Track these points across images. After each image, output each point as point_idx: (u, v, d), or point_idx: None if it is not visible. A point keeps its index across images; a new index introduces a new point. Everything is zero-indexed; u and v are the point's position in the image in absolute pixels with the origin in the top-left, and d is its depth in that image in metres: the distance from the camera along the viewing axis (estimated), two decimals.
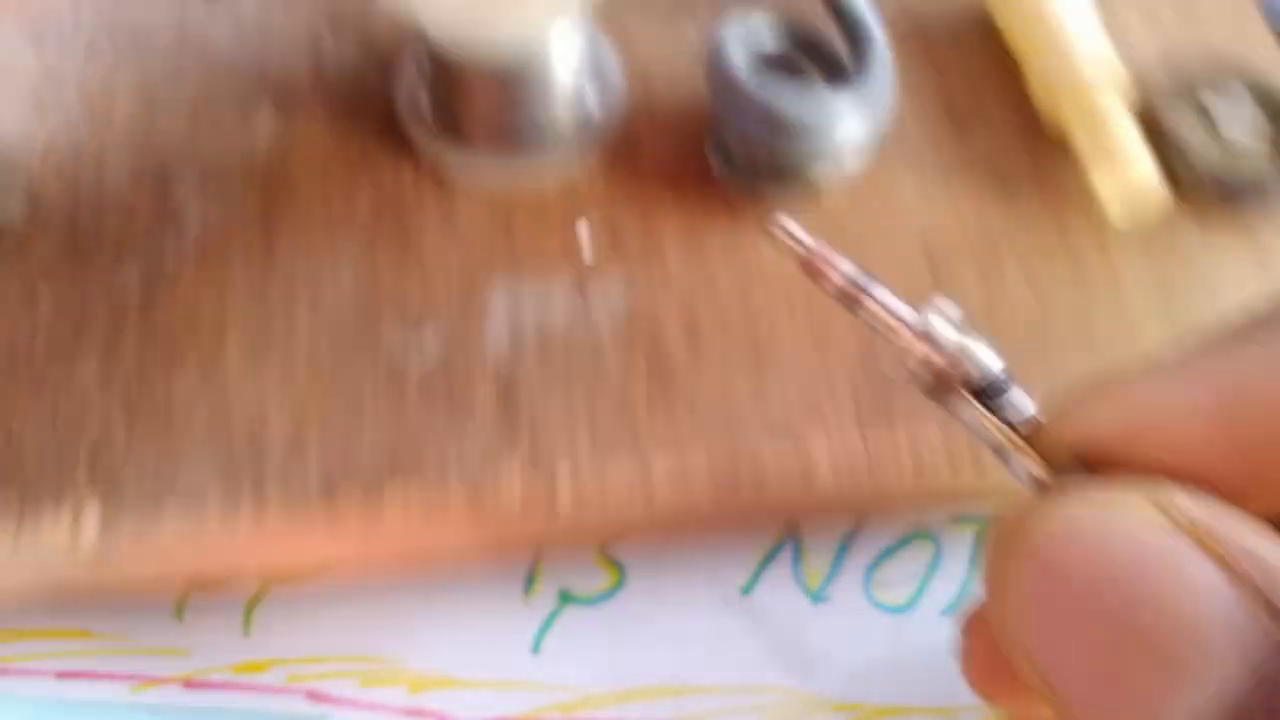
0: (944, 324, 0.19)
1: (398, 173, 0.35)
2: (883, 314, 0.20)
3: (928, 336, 0.19)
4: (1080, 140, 0.34)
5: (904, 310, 0.20)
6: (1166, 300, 0.34)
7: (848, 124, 0.32)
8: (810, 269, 0.21)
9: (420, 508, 0.30)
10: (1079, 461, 0.18)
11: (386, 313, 0.33)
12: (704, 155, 0.35)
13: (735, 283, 0.33)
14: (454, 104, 0.34)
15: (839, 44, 0.34)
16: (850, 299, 0.20)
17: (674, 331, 0.32)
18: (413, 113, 0.35)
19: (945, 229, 0.35)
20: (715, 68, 0.32)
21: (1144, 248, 0.35)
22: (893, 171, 0.35)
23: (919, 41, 0.37)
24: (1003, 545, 0.16)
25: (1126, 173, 0.33)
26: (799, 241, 0.22)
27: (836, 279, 0.21)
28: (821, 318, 0.33)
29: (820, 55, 0.34)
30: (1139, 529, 0.15)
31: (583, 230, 0.34)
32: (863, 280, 0.20)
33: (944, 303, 0.20)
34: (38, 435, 0.31)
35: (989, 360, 0.19)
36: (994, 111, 0.36)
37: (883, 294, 0.20)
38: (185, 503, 0.30)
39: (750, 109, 0.32)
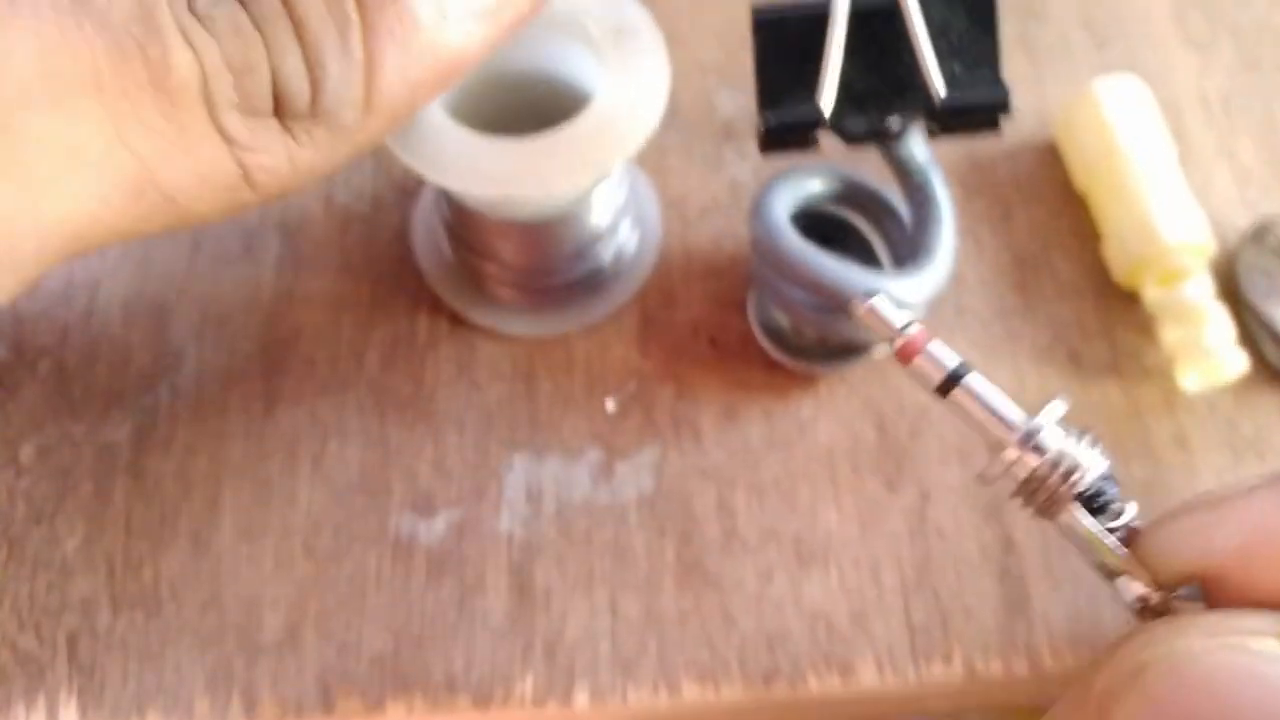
0: (1052, 427, 0.18)
1: (413, 320, 0.32)
2: (979, 410, 0.19)
3: (1032, 441, 0.18)
4: (1159, 313, 0.31)
5: (1008, 410, 0.19)
6: (1237, 467, 0.31)
7: (906, 299, 0.29)
8: (905, 354, 0.20)
9: None
10: (1191, 583, 0.16)
11: (395, 487, 0.30)
12: (745, 311, 0.32)
13: (776, 463, 0.30)
14: (477, 251, 0.31)
15: (896, 197, 0.31)
16: (946, 388, 0.20)
17: (707, 516, 0.30)
18: (431, 255, 0.32)
19: (1005, 392, 0.32)
20: (762, 232, 0.29)
21: (1215, 412, 0.32)
22: (950, 329, 0.32)
23: (984, 186, 0.34)
24: (1113, 677, 0.14)
25: (1210, 361, 0.30)
26: (891, 324, 0.21)
27: (931, 366, 0.20)
28: (870, 505, 0.30)
29: (876, 210, 0.31)
30: (1270, 670, 0.13)
31: (610, 404, 0.31)
32: (962, 369, 0.19)
33: (1054, 405, 0.18)
34: (13, 611, 0.29)
35: (1096, 467, 0.18)
36: (1061, 265, 0.33)
37: (982, 385, 0.19)
38: (169, 710, 0.27)
39: (799, 281, 0.29)
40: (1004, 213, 0.34)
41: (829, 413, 0.31)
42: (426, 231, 0.33)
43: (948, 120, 0.22)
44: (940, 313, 0.32)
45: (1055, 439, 0.18)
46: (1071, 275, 0.33)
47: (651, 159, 0.34)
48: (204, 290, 0.33)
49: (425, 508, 0.30)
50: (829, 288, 0.28)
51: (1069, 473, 0.18)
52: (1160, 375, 0.32)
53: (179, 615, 0.29)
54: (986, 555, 0.29)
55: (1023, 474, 0.18)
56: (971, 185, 0.34)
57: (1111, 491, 0.18)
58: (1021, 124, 0.35)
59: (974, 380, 0.19)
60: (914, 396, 0.31)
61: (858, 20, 0.23)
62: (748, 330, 0.32)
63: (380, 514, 0.30)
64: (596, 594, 0.29)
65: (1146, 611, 0.18)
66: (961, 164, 0.35)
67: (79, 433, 0.31)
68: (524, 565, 0.29)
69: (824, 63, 0.23)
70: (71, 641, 0.28)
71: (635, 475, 0.30)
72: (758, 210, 0.30)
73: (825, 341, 0.31)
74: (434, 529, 0.29)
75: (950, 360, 0.19)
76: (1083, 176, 0.34)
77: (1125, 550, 0.18)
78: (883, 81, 0.23)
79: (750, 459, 0.30)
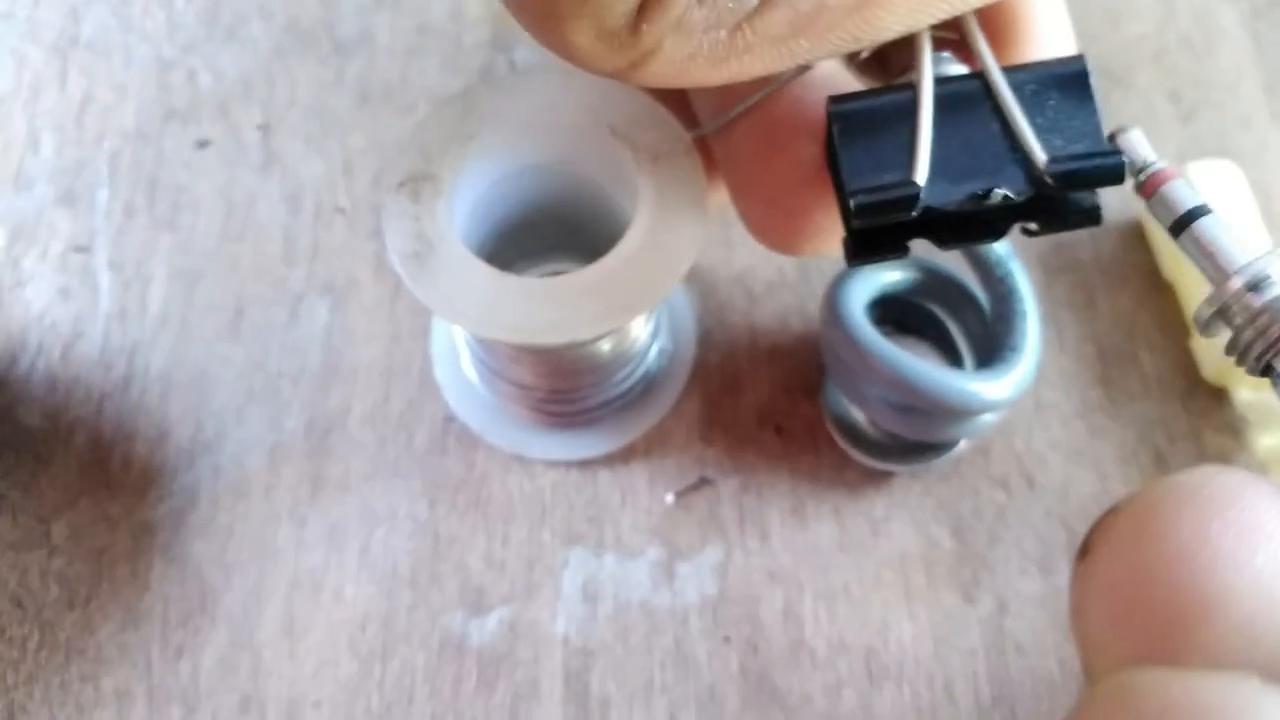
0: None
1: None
2: (1208, 247, 0.19)
3: (1256, 283, 0.18)
4: (1251, 416, 0.30)
5: (1236, 250, 0.18)
6: None
7: (991, 401, 0.27)
8: (1149, 187, 0.20)
9: None
10: None
11: (445, 581, 0.29)
12: (817, 398, 0.30)
13: (847, 567, 0.29)
14: (495, 371, 0.29)
15: (974, 285, 0.30)
16: (1181, 225, 0.19)
17: (773, 624, 0.28)
18: (449, 367, 0.31)
19: (1087, 497, 0.30)
20: (837, 326, 0.28)
21: None
22: (1029, 425, 0.31)
23: (1066, 268, 0.33)
24: None
25: None
26: (1141, 158, 0.20)
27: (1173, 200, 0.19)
28: (945, 617, 0.28)
29: (954, 299, 0.30)
30: None
31: (670, 498, 0.29)
32: (1200, 210, 0.19)
33: None
34: (44, 703, 0.27)
35: None
36: (1147, 358, 0.32)
37: (1213, 224, 0.19)
38: None
39: (877, 380, 0.27)
40: (1087, 299, 0.32)
41: (902, 514, 0.29)
42: (446, 345, 0.31)
43: (1055, 190, 0.20)
44: (1019, 407, 0.30)
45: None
46: (1158, 370, 0.31)
47: (715, 230, 0.33)
48: (247, 359, 0.31)
49: (477, 605, 0.28)
50: (909, 387, 0.27)
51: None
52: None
53: (216, 714, 0.27)
54: (1068, 673, 0.28)
55: (1243, 317, 0.18)
56: (1053, 266, 0.33)
57: None
58: (1106, 201, 0.34)
59: (1209, 222, 0.19)
60: (991, 498, 0.30)
61: (945, 103, 0.21)
62: (816, 416, 0.30)
63: (429, 610, 0.28)
64: (655, 706, 0.27)
65: None
66: (1042, 243, 0.33)
67: (115, 511, 0.29)
68: (580, 671, 0.28)
69: (916, 138, 0.21)
70: None
71: (698, 576, 0.29)
72: (831, 303, 0.28)
73: (901, 439, 0.29)
74: (486, 628, 0.28)
75: (1191, 200, 0.19)
76: (1171, 264, 0.32)
77: None
78: (978, 159, 0.21)
79: (820, 562, 0.29)
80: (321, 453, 0.30)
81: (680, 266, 0.24)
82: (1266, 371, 0.18)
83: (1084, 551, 0.16)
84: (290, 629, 0.28)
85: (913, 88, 0.20)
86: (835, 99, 0.21)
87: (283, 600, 0.28)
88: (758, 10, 0.17)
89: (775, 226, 0.23)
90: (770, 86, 0.21)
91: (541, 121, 0.25)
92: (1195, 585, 0.15)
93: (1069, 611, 0.17)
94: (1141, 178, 0.20)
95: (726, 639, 0.28)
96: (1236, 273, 0.19)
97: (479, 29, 0.36)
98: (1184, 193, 0.20)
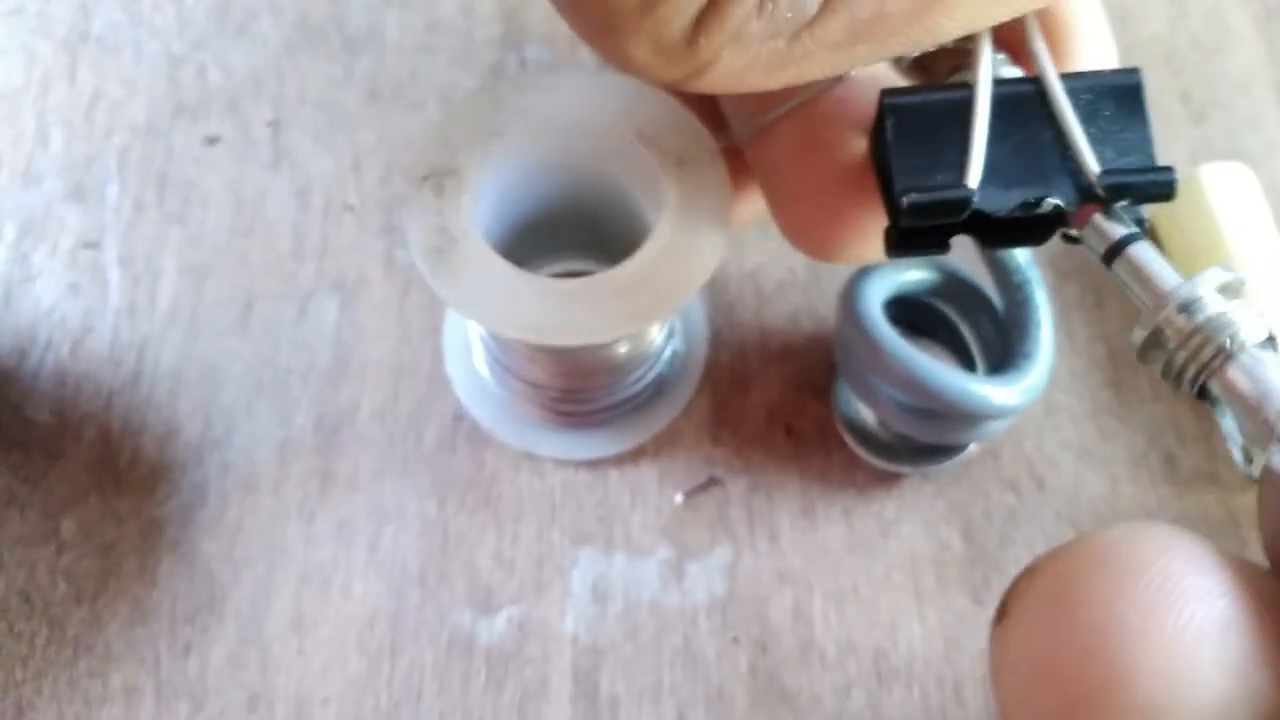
0: (1212, 294, 0.18)
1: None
2: (1140, 272, 0.19)
3: (1187, 305, 0.18)
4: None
5: (1166, 274, 0.18)
6: None
7: (1004, 407, 0.27)
8: (1082, 215, 0.20)
9: None
10: None
11: (454, 579, 0.29)
12: (827, 398, 0.30)
13: (857, 568, 0.29)
14: (508, 368, 0.29)
15: (989, 288, 0.30)
16: (1114, 253, 0.19)
17: (783, 624, 0.28)
18: (461, 364, 0.31)
19: (1097, 499, 0.30)
20: (853, 322, 0.28)
21: None
22: (1040, 427, 0.31)
23: (1076, 269, 0.33)
24: None
25: None
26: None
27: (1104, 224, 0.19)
28: (955, 619, 0.28)
29: (970, 302, 0.30)
30: None
31: (680, 498, 0.29)
32: (1130, 234, 0.19)
33: (1219, 272, 0.18)
34: (53, 699, 0.27)
35: (1253, 332, 0.17)
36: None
37: (1144, 250, 0.19)
38: None
39: (890, 379, 0.27)
40: (1097, 299, 0.32)
41: (913, 515, 0.29)
42: (458, 341, 0.31)
43: (1105, 201, 0.20)
44: (1029, 410, 0.30)
45: (1214, 304, 0.18)
46: None
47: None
48: (256, 355, 0.31)
49: (486, 603, 0.28)
50: (922, 389, 0.27)
51: (1226, 331, 0.17)
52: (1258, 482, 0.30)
53: (225, 711, 0.27)
54: None
55: (1176, 340, 0.18)
56: (1063, 268, 0.33)
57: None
58: None
59: (1141, 248, 0.19)
60: (1001, 500, 0.30)
61: (998, 106, 0.21)
62: (827, 417, 0.30)
63: (438, 608, 0.28)
64: (664, 705, 0.27)
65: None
66: (1053, 244, 0.33)
67: (124, 508, 0.29)
68: (590, 671, 0.28)
69: (970, 141, 0.21)
70: None
71: (707, 577, 0.29)
72: (848, 301, 0.28)
73: (912, 440, 0.29)
74: (495, 627, 0.28)
75: (1121, 229, 0.19)
76: (1183, 267, 0.32)
77: None
78: (1030, 166, 0.21)
79: (829, 563, 0.29)
80: (331, 449, 0.30)
81: (703, 274, 0.24)
82: (1203, 394, 0.18)
83: (1000, 614, 0.16)
84: (299, 625, 0.28)
85: (967, 87, 0.20)
86: (889, 92, 0.20)
87: (291, 597, 0.28)
88: (816, 19, 0.17)
89: (816, 228, 0.23)
90: (813, 89, 0.21)
91: (568, 121, 0.25)
92: (1100, 661, 0.14)
93: (989, 670, 0.16)
94: (1072, 208, 0.20)
95: (735, 639, 0.28)
96: (1168, 295, 0.18)
97: (490, 26, 0.36)
98: (1115, 220, 0.20)
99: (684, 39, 0.17)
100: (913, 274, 0.29)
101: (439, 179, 0.24)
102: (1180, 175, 0.31)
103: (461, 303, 0.23)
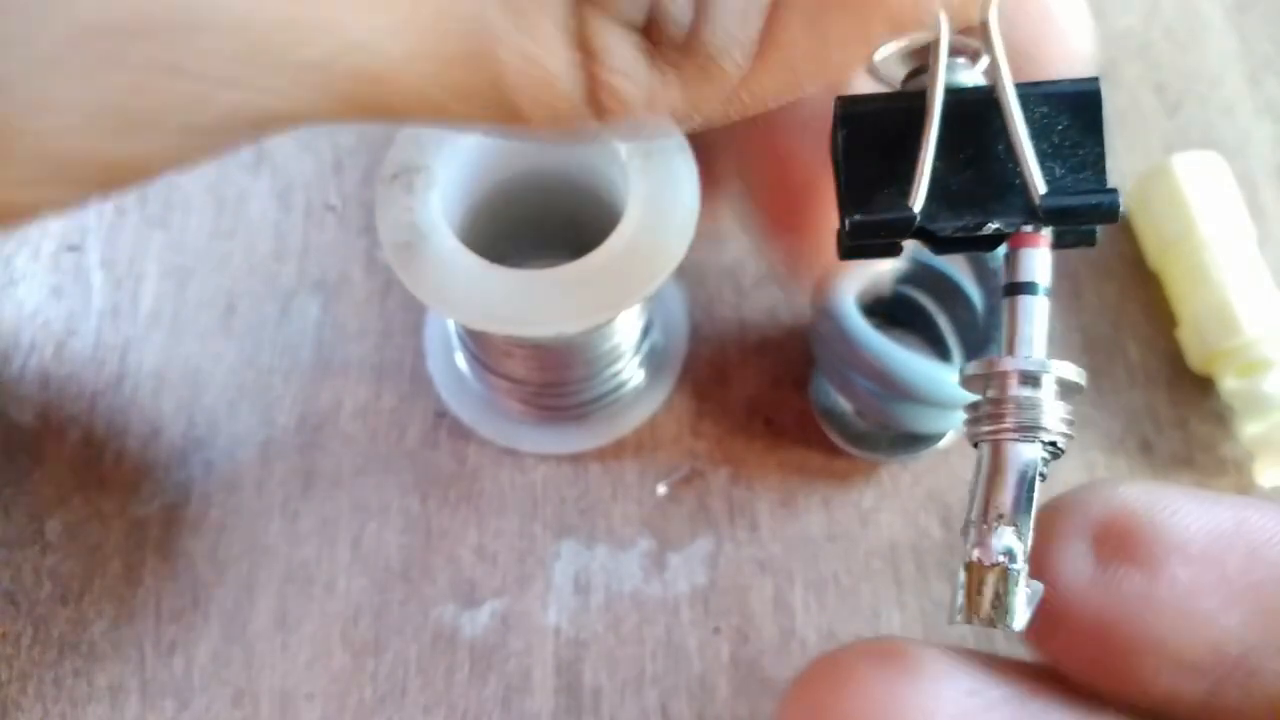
0: (1050, 382, 0.18)
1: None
2: (1017, 321, 0.20)
3: (1026, 375, 0.18)
4: (1237, 405, 0.30)
5: (1031, 337, 0.19)
6: None
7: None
8: (1016, 240, 0.20)
9: None
10: None
11: (437, 574, 0.29)
12: (806, 390, 0.31)
13: (836, 557, 0.29)
14: (485, 365, 0.29)
15: (966, 278, 0.30)
16: (1013, 290, 0.20)
17: (764, 614, 0.28)
18: (441, 362, 0.31)
19: (1074, 486, 0.30)
20: (827, 317, 0.28)
21: None
22: None
23: (1057, 266, 0.33)
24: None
25: None
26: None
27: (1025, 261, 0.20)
28: (935, 607, 0.28)
29: (945, 291, 0.30)
30: None
31: (661, 489, 0.29)
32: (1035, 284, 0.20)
33: (1069, 368, 0.19)
34: (38, 699, 0.27)
35: (1051, 434, 0.18)
36: (1133, 348, 0.32)
37: (1036, 307, 0.20)
38: None
39: (865, 372, 0.27)
40: (1073, 289, 0.33)
41: (892, 504, 0.30)
42: (439, 338, 0.31)
43: (1048, 225, 0.21)
44: None
45: (1046, 391, 0.18)
46: (1144, 360, 0.32)
47: (704, 224, 0.33)
48: (239, 357, 0.31)
49: (469, 597, 0.28)
50: (895, 380, 0.27)
51: (1029, 423, 0.18)
52: (1236, 470, 0.30)
53: (210, 708, 0.27)
54: None
55: (995, 392, 0.19)
56: None
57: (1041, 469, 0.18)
58: None
59: (1033, 302, 0.20)
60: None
61: (954, 115, 0.21)
62: (805, 409, 0.31)
63: (422, 603, 0.28)
64: (647, 696, 0.27)
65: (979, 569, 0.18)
66: None
67: (108, 508, 0.29)
68: (572, 662, 0.28)
69: (919, 160, 0.21)
70: None
71: (688, 567, 0.29)
72: (821, 293, 0.28)
73: (889, 430, 0.29)
74: (478, 620, 0.28)
75: (1037, 274, 0.20)
76: (1157, 256, 0.32)
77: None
78: (978, 181, 0.21)
79: (809, 552, 0.29)
80: (313, 447, 0.30)
81: (669, 263, 0.24)
82: (976, 445, 0.19)
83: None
84: (283, 622, 0.28)
85: (923, 96, 0.20)
86: (844, 100, 0.21)
87: (275, 594, 0.28)
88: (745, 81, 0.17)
89: (782, 234, 0.23)
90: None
91: None
92: None
93: None
94: (1013, 230, 0.21)
95: (717, 629, 0.28)
96: (1019, 357, 0.19)
97: None
98: (1036, 265, 0.20)
99: (582, 109, 0.17)
100: (886, 265, 0.29)
101: (408, 175, 0.25)
102: (1155, 165, 0.32)
103: (429, 295, 0.23)
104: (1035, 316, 0.20)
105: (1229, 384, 0.30)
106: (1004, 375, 0.19)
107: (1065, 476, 0.30)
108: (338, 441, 0.30)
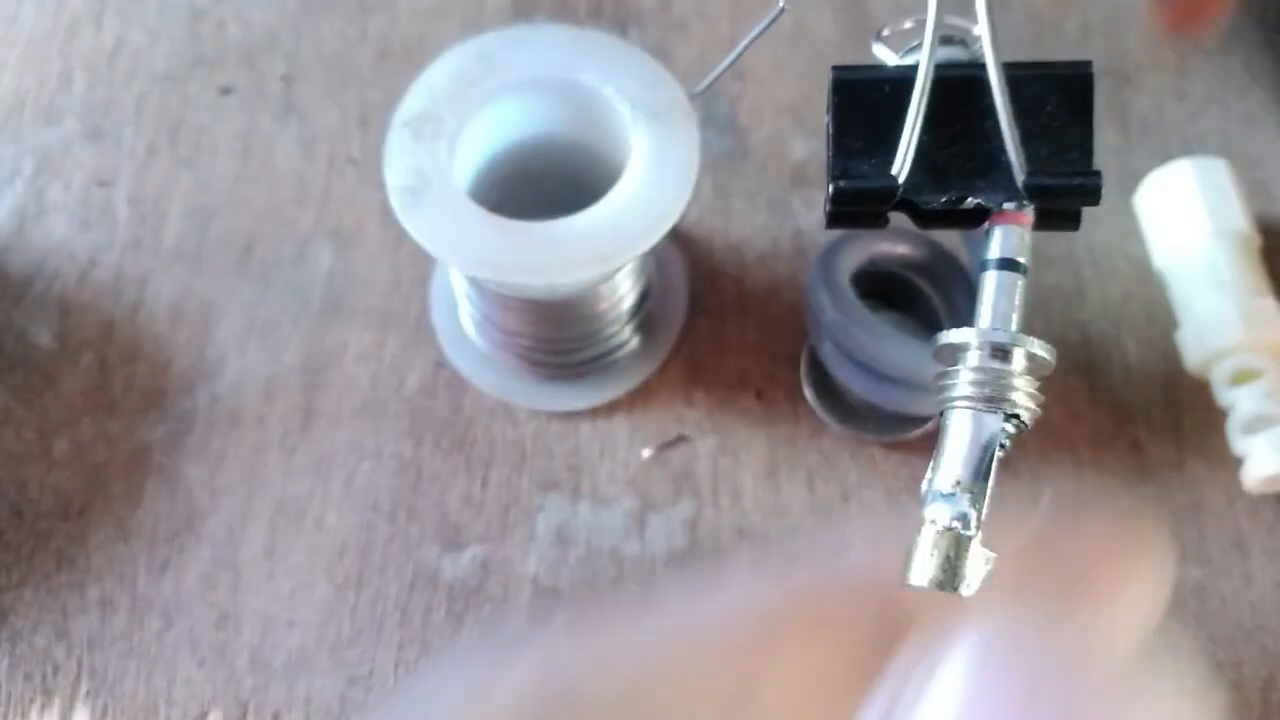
0: (1021, 357, 0.19)
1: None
2: (993, 296, 0.19)
3: (997, 348, 0.19)
4: (1229, 410, 0.30)
5: (1005, 310, 0.19)
6: None
7: None
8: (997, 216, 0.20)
9: None
10: None
11: (424, 517, 0.29)
12: (796, 365, 0.31)
13: (816, 530, 0.29)
14: (489, 318, 0.30)
15: (965, 259, 0.30)
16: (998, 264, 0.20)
17: None
18: (444, 313, 0.32)
19: (1061, 479, 0.31)
20: (822, 295, 0.28)
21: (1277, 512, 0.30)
22: None
23: (1059, 257, 0.33)
24: None
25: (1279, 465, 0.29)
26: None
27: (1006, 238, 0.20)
28: None
29: (942, 273, 0.30)
30: None
31: (647, 452, 0.30)
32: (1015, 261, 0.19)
33: (1039, 344, 0.19)
34: (33, 604, 0.29)
35: (1017, 408, 0.19)
36: (1131, 347, 0.32)
37: (1012, 283, 0.19)
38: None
39: (856, 351, 0.28)
40: (1076, 287, 0.33)
41: (875, 483, 0.30)
42: (445, 292, 0.32)
43: (1031, 204, 0.21)
44: None
45: (1016, 365, 0.18)
46: (1141, 359, 0.32)
47: (713, 199, 0.34)
48: (252, 295, 0.32)
49: (452, 541, 0.29)
50: (884, 360, 0.27)
51: (995, 395, 0.18)
52: (1224, 473, 0.30)
53: (194, 629, 0.28)
54: None
55: (963, 365, 0.19)
56: (1047, 254, 0.33)
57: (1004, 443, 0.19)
58: (1105, 190, 0.34)
59: (1012, 278, 0.19)
60: None
61: (944, 90, 0.21)
62: (797, 385, 0.31)
63: (406, 543, 0.29)
64: None
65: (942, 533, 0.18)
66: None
67: (115, 431, 0.30)
68: (547, 610, 0.28)
69: (904, 132, 0.21)
70: (87, 643, 0.28)
71: (668, 528, 0.29)
72: (819, 269, 0.29)
73: (878, 410, 0.30)
74: (459, 564, 0.29)
75: (1016, 251, 0.20)
76: (1162, 257, 0.32)
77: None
78: (965, 157, 0.21)
79: (789, 524, 0.29)
80: (316, 388, 0.31)
81: (665, 221, 0.25)
82: (943, 413, 0.19)
83: None
84: (271, 552, 0.29)
85: (915, 70, 0.20)
86: (839, 69, 0.21)
87: (266, 524, 0.29)
88: None
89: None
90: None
91: (548, 74, 0.26)
92: None
93: None
94: (1000, 207, 0.21)
95: None
96: (991, 329, 0.19)
97: None
98: (1016, 242, 0.20)
99: None
100: (883, 244, 0.30)
101: (418, 124, 0.25)
102: (1166, 167, 0.31)
103: (428, 239, 0.24)
104: (1010, 292, 0.20)
105: (1223, 389, 0.30)
106: (974, 346, 0.19)
107: (1050, 471, 0.30)
108: (339, 384, 0.31)
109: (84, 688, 0.28)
